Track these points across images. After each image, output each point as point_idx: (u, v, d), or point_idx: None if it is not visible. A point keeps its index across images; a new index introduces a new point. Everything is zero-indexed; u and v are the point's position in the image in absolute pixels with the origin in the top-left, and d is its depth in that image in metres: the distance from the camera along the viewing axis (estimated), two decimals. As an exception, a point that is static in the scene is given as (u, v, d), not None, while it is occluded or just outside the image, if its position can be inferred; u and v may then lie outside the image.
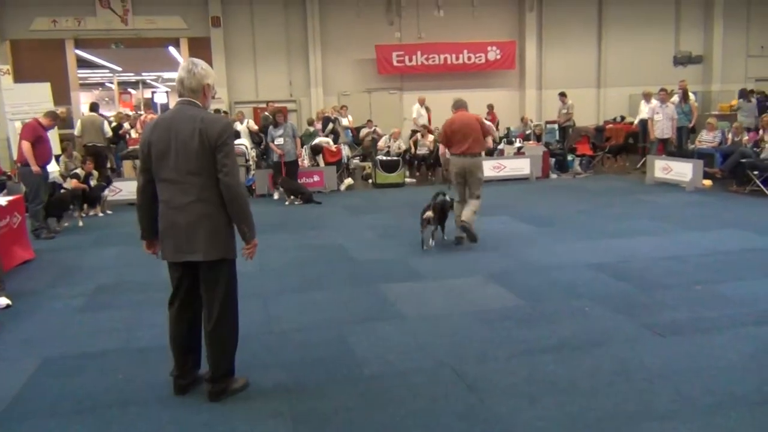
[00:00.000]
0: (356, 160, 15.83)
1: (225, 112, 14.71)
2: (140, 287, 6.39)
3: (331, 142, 14.48)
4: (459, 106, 8.13)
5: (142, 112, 15.41)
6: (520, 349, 4.52)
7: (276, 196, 12.36)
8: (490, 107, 18.27)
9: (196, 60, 3.72)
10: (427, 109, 17.16)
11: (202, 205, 3.58)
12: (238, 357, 3.95)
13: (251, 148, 14.27)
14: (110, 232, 9.63)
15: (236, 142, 13.39)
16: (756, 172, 11.33)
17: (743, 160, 11.57)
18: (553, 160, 14.98)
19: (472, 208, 7.82)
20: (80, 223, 10.07)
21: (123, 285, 6.60)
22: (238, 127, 15.34)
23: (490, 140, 8.30)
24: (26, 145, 8.80)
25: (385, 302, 5.71)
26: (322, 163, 13.74)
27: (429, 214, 7.66)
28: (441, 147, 8.30)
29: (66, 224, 10.06)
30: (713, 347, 4.47)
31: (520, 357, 4.39)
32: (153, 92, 33.69)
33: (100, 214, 11.06)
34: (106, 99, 35.17)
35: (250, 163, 13.53)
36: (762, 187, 11.17)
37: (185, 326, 3.85)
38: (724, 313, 5.15)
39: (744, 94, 16.07)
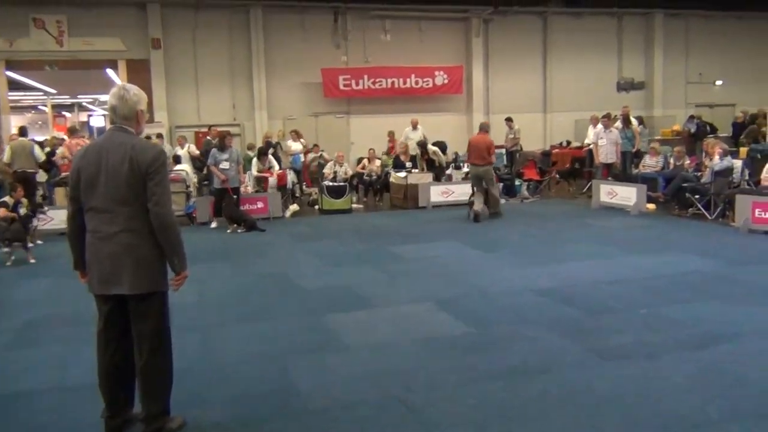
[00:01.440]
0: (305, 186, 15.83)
1: (155, 136, 14.37)
2: (72, 322, 6.17)
3: (276, 165, 14.38)
4: (482, 129, 12.07)
5: (64, 136, 15.04)
6: (469, 377, 4.55)
7: (214, 224, 12.16)
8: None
9: (127, 85, 3.71)
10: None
11: (129, 235, 3.53)
12: (174, 394, 3.84)
13: (193, 174, 14.09)
14: (40, 263, 9.31)
15: (177, 167, 13.29)
16: (697, 196, 11.77)
17: (685, 185, 12.01)
18: (500, 185, 15.22)
19: (493, 200, 11.94)
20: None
21: (53, 319, 6.37)
22: (179, 152, 15.16)
23: (493, 157, 11.81)
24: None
25: (331, 332, 5.68)
26: (254, 170, 13.60)
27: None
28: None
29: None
30: (658, 370, 4.58)
31: (469, 385, 4.41)
32: (89, 115, 32.97)
33: (30, 245, 10.66)
34: (39, 122, 34.24)
35: (191, 189, 13.34)
36: (703, 210, 11.61)
37: (115, 363, 3.72)
38: (668, 336, 5.30)
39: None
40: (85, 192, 3.57)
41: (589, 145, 16.18)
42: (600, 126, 14.79)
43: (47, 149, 14.85)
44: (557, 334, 5.38)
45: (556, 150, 19.89)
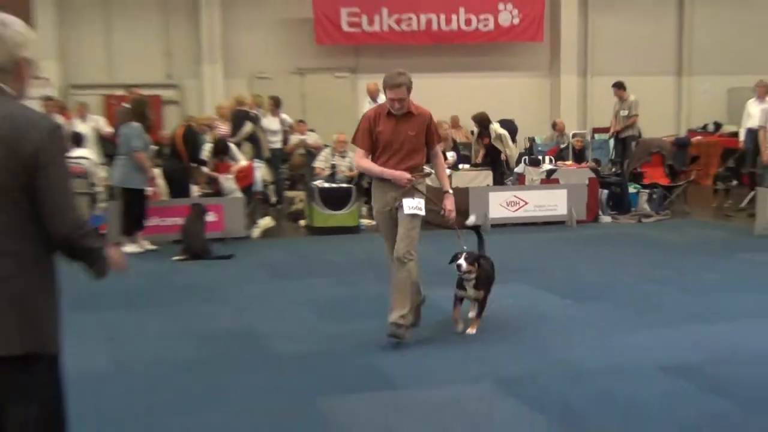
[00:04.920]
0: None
1: (41, 101, 14.40)
2: None
3: (240, 158, 14.38)
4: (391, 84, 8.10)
5: None
6: None
7: (131, 248, 12.19)
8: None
9: (6, 17, 3.61)
10: None
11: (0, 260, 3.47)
12: None
13: (100, 164, 14.18)
14: None
15: (76, 153, 13.37)
16: None
17: None
18: (605, 192, 15.23)
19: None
20: None
21: None
22: (79, 127, 15.25)
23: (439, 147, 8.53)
24: None
25: (327, 426, 5.70)
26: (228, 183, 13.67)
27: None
28: None
29: None
30: None
31: None
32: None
33: None
34: None
35: (99, 188, 13.42)
36: None
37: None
38: None
39: None
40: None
41: (747, 131, 16.10)
42: (771, 99, 14.69)
43: None
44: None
45: (698, 138, 19.84)
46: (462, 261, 7.46)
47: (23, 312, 3.52)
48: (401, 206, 7.38)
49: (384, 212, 7.59)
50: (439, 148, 8.00)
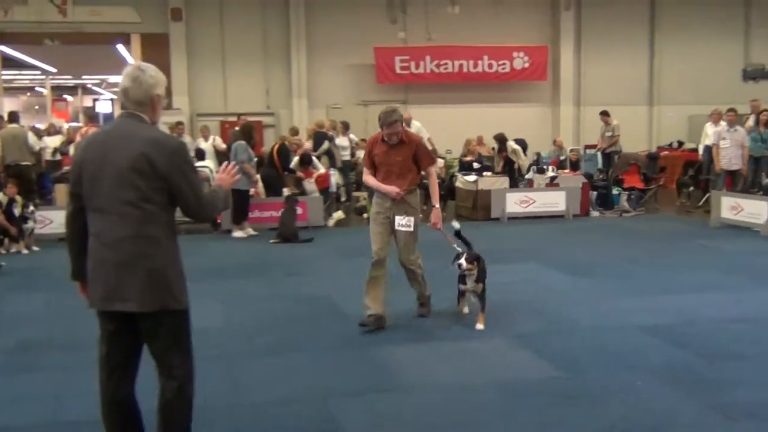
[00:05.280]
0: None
1: (174, 125, 14.72)
2: (73, 345, 6.29)
3: (320, 167, 14.54)
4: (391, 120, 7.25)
5: (64, 123, 15.68)
6: (556, 434, 4.41)
7: (239, 233, 12.38)
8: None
9: (143, 65, 3.76)
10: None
11: (140, 242, 3.55)
12: (196, 437, 3.78)
13: (217, 172, 14.34)
14: (37, 273, 9.57)
15: (200, 164, 13.55)
16: None
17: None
18: (594, 193, 15.15)
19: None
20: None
21: (51, 341, 6.54)
22: (202, 145, 15.47)
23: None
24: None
25: (384, 368, 5.70)
26: (311, 186, 13.79)
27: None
28: None
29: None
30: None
31: (556, 444, 4.28)
32: (95, 99, 33.89)
33: (25, 251, 11.00)
34: (37, 107, 35.40)
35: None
36: None
37: (121, 396, 3.76)
38: (813, 391, 5.05)
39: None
40: (88, 189, 3.60)
41: (705, 147, 15.95)
42: (723, 124, 14.45)
43: (62, 139, 15.37)
44: (668, 385, 5.24)
45: (665, 152, 19.70)
46: (462, 260, 6.92)
47: (158, 279, 3.61)
48: (394, 220, 6.82)
49: (377, 216, 6.93)
50: (433, 169, 7.23)
